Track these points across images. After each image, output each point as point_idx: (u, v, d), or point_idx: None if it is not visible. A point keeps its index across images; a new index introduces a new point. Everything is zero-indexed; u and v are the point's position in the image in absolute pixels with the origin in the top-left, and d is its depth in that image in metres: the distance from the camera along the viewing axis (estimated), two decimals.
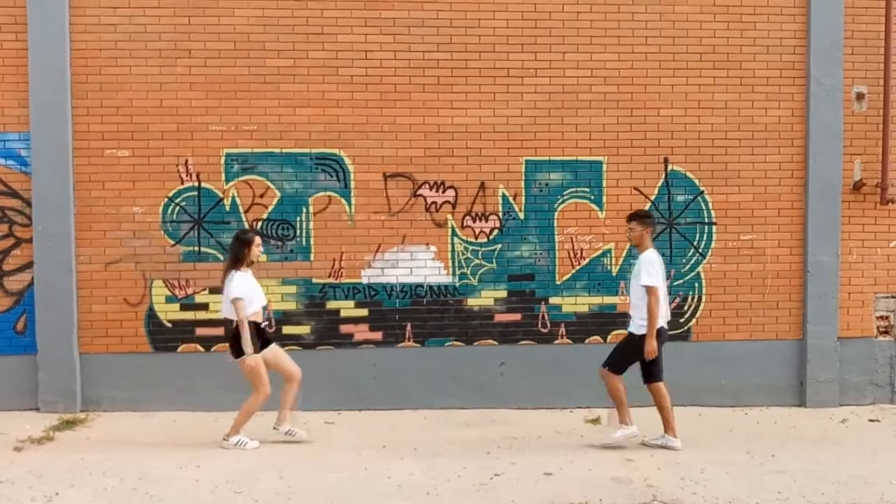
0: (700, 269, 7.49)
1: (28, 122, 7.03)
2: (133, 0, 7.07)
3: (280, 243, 7.27)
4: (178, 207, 7.21)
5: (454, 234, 7.35)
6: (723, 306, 7.51)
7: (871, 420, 7.17)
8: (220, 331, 7.17)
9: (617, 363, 6.22)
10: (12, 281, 7.14)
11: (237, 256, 6.13)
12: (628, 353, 6.20)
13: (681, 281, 7.48)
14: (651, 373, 6.22)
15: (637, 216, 6.31)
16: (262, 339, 6.23)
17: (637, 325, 6.15)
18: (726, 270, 7.50)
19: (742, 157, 7.46)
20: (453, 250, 7.35)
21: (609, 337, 7.42)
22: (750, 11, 7.39)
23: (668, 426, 6.27)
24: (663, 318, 6.22)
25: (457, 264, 7.35)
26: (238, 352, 6.10)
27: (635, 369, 6.22)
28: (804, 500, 5.23)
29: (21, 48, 7.01)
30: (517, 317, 7.37)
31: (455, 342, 7.31)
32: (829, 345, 7.48)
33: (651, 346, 6.05)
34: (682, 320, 7.48)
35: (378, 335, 7.32)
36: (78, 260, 7.14)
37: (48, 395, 7.09)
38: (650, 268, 6.08)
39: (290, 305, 7.28)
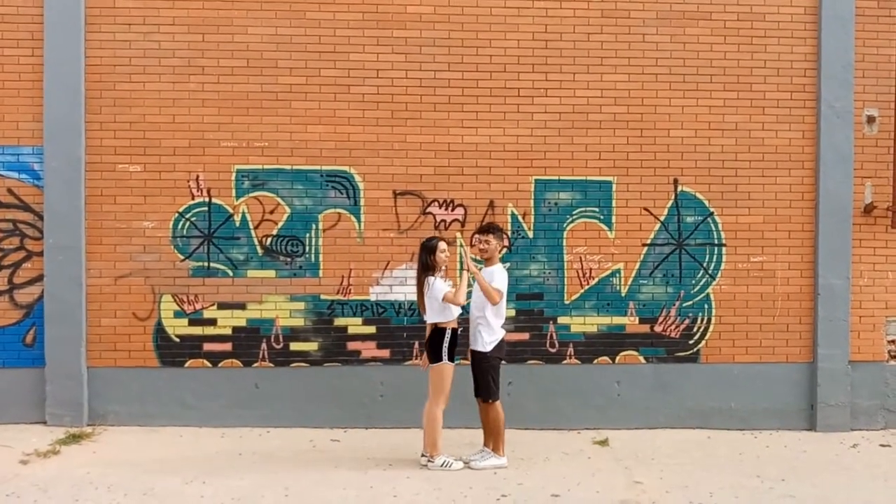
0: (709, 290, 7.46)
1: (42, 136, 7.10)
2: (148, 17, 7.16)
3: (289, 259, 7.29)
4: (188, 223, 7.24)
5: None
6: (732, 328, 7.46)
7: (882, 445, 7.08)
8: (227, 347, 7.23)
9: (488, 390, 6.16)
10: (22, 293, 7.17)
11: (425, 264, 6.17)
12: (491, 371, 6.16)
13: (690, 302, 7.44)
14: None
15: (494, 229, 6.31)
16: (456, 347, 6.24)
17: (483, 343, 6.13)
18: (736, 292, 7.46)
19: (752, 179, 7.45)
20: (461, 269, 7.33)
21: (617, 358, 7.39)
22: (761, 34, 7.41)
23: (490, 443, 6.31)
24: (502, 333, 6.24)
25: (465, 283, 7.32)
26: (436, 356, 6.12)
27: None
28: None
29: (37, 63, 7.09)
30: (525, 336, 7.34)
31: (463, 361, 7.25)
32: (839, 368, 7.41)
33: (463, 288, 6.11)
34: (691, 342, 7.44)
35: (385, 353, 7.30)
36: (88, 273, 7.17)
37: (55, 408, 7.10)
38: (501, 276, 6.18)
39: (298, 322, 7.28)
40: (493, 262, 6.27)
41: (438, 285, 6.11)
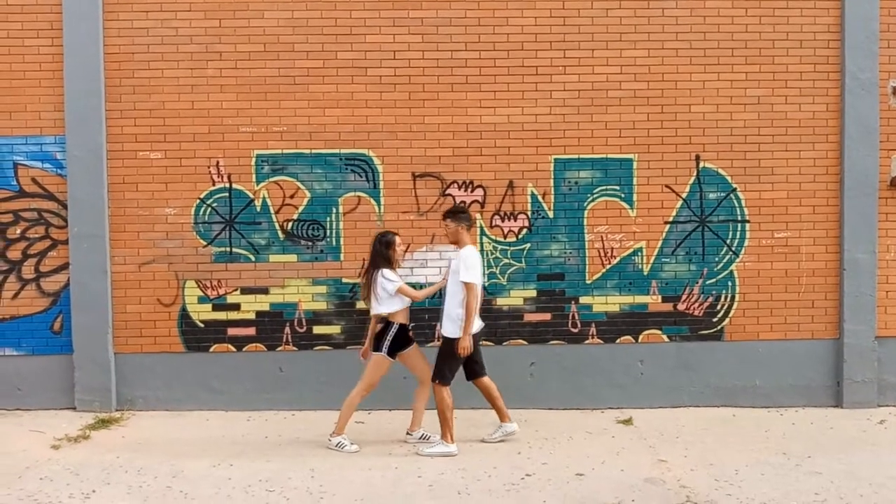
0: (733, 267, 7.39)
1: (63, 125, 7.16)
2: (165, 4, 7.17)
3: (310, 243, 7.31)
4: (209, 209, 7.28)
5: (483, 233, 7.33)
6: (757, 305, 7.39)
7: None
8: (251, 331, 7.29)
9: (440, 373, 6.15)
10: (49, 282, 7.27)
11: (384, 256, 6.21)
12: (451, 359, 6.14)
13: (713, 280, 7.38)
14: (474, 370, 6.34)
15: (451, 213, 6.30)
16: (405, 339, 6.32)
17: (450, 329, 6.11)
18: (760, 269, 7.38)
19: (775, 154, 7.34)
20: (482, 250, 7.32)
21: (640, 337, 7.36)
22: (783, 5, 7.27)
23: (502, 415, 6.44)
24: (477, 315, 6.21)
25: (486, 264, 7.32)
26: (377, 347, 6.24)
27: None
28: (842, 501, 5.14)
29: (57, 52, 7.14)
30: (547, 316, 7.33)
31: (484, 342, 7.26)
32: (866, 344, 7.33)
33: (466, 343, 6.01)
34: (715, 320, 7.38)
35: None
36: (112, 261, 7.25)
37: (84, 394, 7.22)
38: (468, 262, 6.05)
39: (321, 305, 7.32)
40: (462, 244, 6.19)
41: (392, 276, 6.16)
